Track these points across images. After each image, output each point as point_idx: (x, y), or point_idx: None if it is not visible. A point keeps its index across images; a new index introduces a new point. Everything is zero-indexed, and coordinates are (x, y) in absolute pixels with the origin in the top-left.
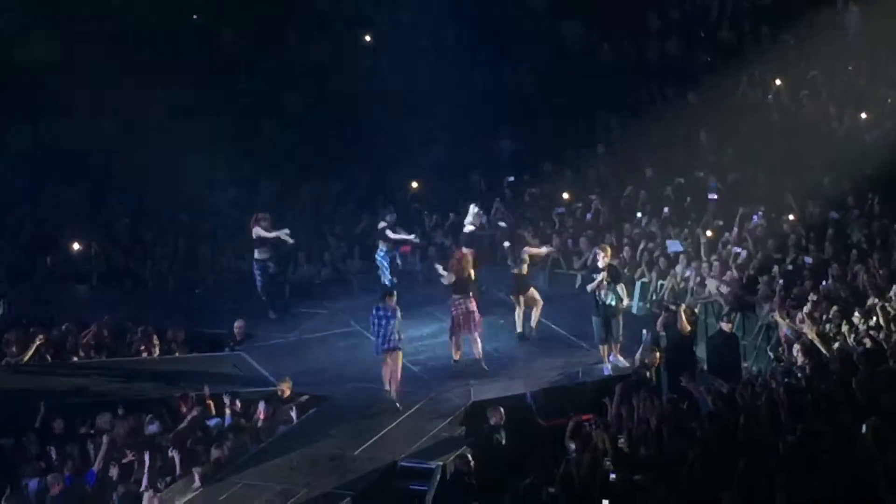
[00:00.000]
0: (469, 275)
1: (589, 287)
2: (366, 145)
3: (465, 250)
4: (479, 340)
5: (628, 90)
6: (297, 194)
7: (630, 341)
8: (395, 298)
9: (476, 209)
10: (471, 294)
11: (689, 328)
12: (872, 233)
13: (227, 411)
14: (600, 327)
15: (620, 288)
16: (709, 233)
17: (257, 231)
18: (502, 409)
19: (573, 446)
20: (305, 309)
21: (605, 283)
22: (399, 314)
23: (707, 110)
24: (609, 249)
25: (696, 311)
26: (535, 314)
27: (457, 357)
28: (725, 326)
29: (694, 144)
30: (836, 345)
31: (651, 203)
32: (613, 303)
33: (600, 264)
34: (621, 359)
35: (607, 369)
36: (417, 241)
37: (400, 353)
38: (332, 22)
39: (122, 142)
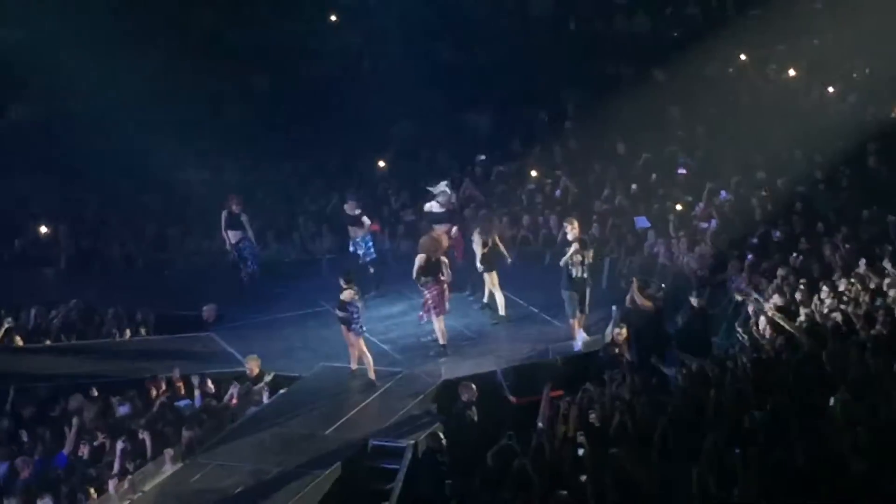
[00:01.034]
0: (439, 258)
1: (561, 261)
2: (334, 125)
3: (438, 229)
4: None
5: (596, 66)
6: (267, 174)
7: (600, 318)
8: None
9: (444, 187)
10: (440, 276)
11: (648, 304)
12: (841, 207)
13: (198, 392)
14: (572, 301)
15: (590, 254)
16: (678, 208)
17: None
18: (474, 386)
19: (541, 424)
20: (275, 289)
21: (576, 255)
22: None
23: (675, 86)
24: (576, 222)
25: (664, 286)
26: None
27: (443, 342)
28: (695, 302)
29: (663, 120)
30: (802, 319)
31: (620, 179)
32: (585, 275)
33: (570, 237)
34: (584, 335)
35: (578, 344)
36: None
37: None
38: (299, 2)
39: (89, 124)
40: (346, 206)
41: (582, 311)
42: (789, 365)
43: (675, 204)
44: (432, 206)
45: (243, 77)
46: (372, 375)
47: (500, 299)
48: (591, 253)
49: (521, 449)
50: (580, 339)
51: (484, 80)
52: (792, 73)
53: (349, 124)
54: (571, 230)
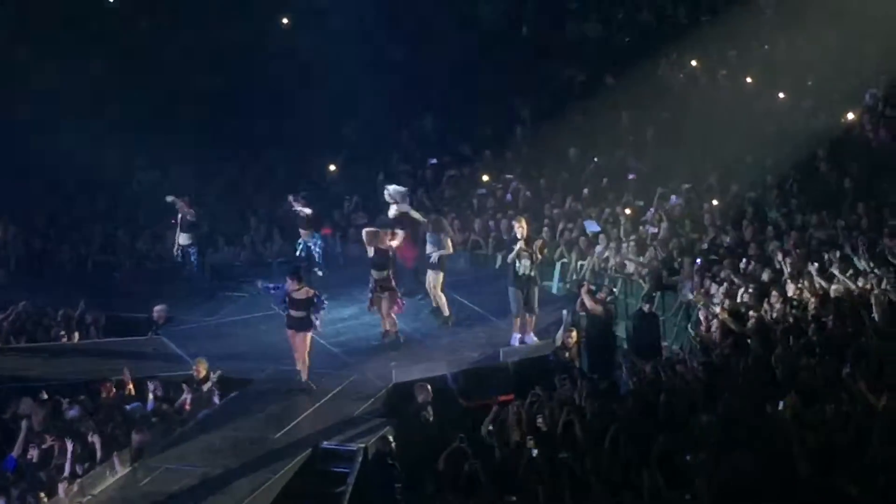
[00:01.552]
0: (388, 250)
1: (509, 258)
2: (286, 127)
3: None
4: (393, 318)
5: (548, 71)
6: (217, 176)
7: (550, 323)
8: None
9: (396, 188)
10: (389, 272)
11: (597, 308)
12: (791, 212)
13: (150, 396)
14: (516, 298)
15: (537, 253)
16: (627, 212)
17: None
18: (429, 387)
19: (491, 428)
20: (225, 292)
21: (522, 253)
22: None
23: (626, 91)
24: (524, 221)
25: (616, 290)
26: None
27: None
28: (645, 307)
29: (614, 125)
30: (752, 323)
31: (571, 184)
32: (532, 273)
33: (518, 235)
34: (534, 338)
35: (515, 339)
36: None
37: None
38: (252, 3)
39: (38, 124)
40: (294, 205)
41: (530, 312)
42: (739, 368)
43: (625, 208)
44: (390, 211)
45: (195, 77)
46: (305, 376)
47: (442, 301)
48: (537, 251)
49: (473, 452)
50: (516, 338)
51: (435, 84)
52: (749, 80)
53: (301, 126)
54: (519, 228)
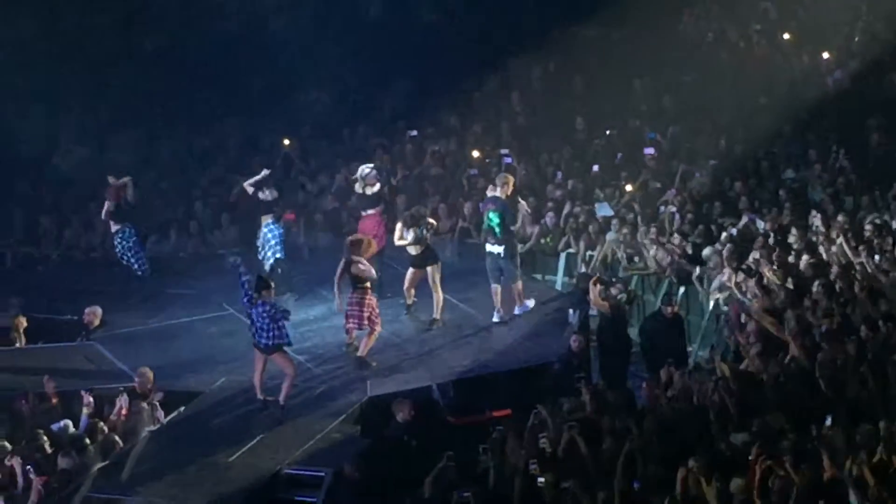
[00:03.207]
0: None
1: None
2: (237, 94)
3: (369, 214)
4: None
5: (550, 26)
6: (158, 152)
7: (553, 324)
8: (272, 291)
9: (369, 169)
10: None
11: (603, 304)
12: (837, 192)
13: (85, 410)
14: (494, 265)
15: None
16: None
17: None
18: (411, 403)
19: (486, 448)
20: (169, 289)
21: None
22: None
23: (642, 51)
24: (511, 178)
25: (632, 286)
26: (412, 295)
27: (350, 340)
28: (667, 310)
29: (627, 91)
30: (791, 323)
31: (577, 160)
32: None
33: (499, 193)
34: (528, 302)
35: (498, 315)
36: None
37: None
38: None
39: None
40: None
41: (512, 277)
42: (777, 379)
43: (642, 188)
44: (365, 189)
45: (132, 38)
46: (282, 402)
47: (439, 298)
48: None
49: (462, 477)
50: (520, 309)
51: (417, 42)
52: (787, 37)
53: (255, 94)
54: (504, 188)
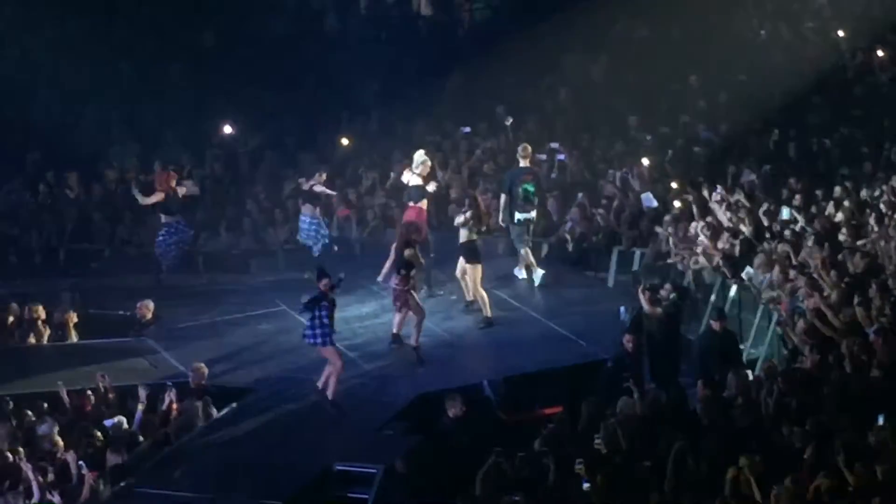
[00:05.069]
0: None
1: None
2: (292, 90)
3: (413, 205)
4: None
5: (601, 23)
6: (212, 148)
7: (604, 322)
8: (325, 282)
9: (423, 157)
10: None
11: (655, 310)
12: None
13: (140, 407)
14: (523, 232)
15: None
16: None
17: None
18: (462, 400)
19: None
20: (221, 286)
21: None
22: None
23: (696, 48)
24: (529, 147)
25: (688, 283)
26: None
27: (396, 331)
28: (716, 325)
29: (681, 88)
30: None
31: (630, 156)
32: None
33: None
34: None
35: (519, 272)
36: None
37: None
38: None
39: (5, 91)
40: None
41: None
42: (833, 380)
43: (695, 185)
44: (410, 178)
45: (186, 34)
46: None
47: (483, 298)
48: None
49: (512, 474)
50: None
51: (469, 39)
52: (841, 34)
53: (310, 91)
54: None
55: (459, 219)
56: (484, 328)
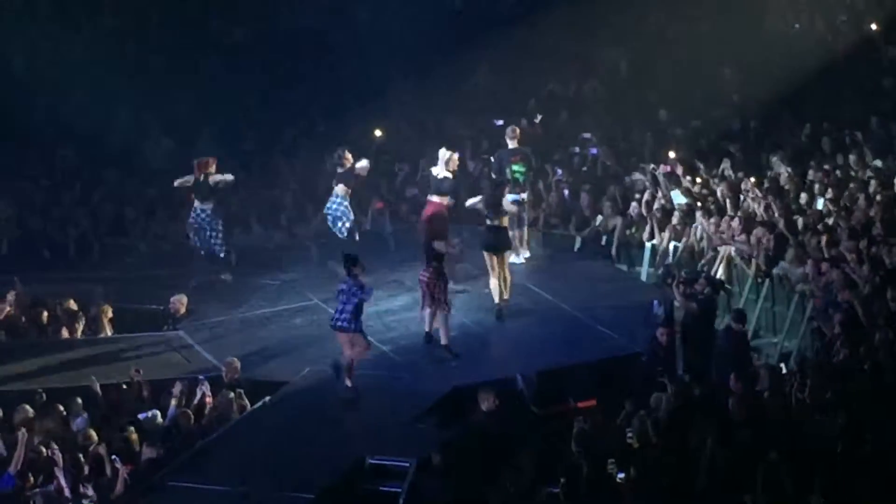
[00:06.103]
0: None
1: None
2: (323, 84)
3: (434, 200)
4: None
5: (630, 15)
6: (244, 143)
7: (638, 316)
8: (360, 269)
9: (449, 153)
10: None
11: (689, 304)
12: None
13: (173, 401)
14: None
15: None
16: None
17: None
18: (495, 393)
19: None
20: (254, 279)
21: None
22: (366, 292)
23: (727, 42)
24: (518, 129)
25: (721, 276)
26: (507, 284)
27: (428, 329)
28: (736, 326)
29: (713, 82)
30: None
31: (661, 149)
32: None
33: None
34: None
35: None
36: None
37: (355, 336)
38: None
39: (35, 87)
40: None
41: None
42: (864, 371)
43: (724, 178)
44: (439, 172)
45: (219, 29)
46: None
47: (496, 284)
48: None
49: (546, 468)
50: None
51: (502, 31)
52: (874, 27)
53: (341, 85)
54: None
55: (476, 202)
56: (501, 319)
